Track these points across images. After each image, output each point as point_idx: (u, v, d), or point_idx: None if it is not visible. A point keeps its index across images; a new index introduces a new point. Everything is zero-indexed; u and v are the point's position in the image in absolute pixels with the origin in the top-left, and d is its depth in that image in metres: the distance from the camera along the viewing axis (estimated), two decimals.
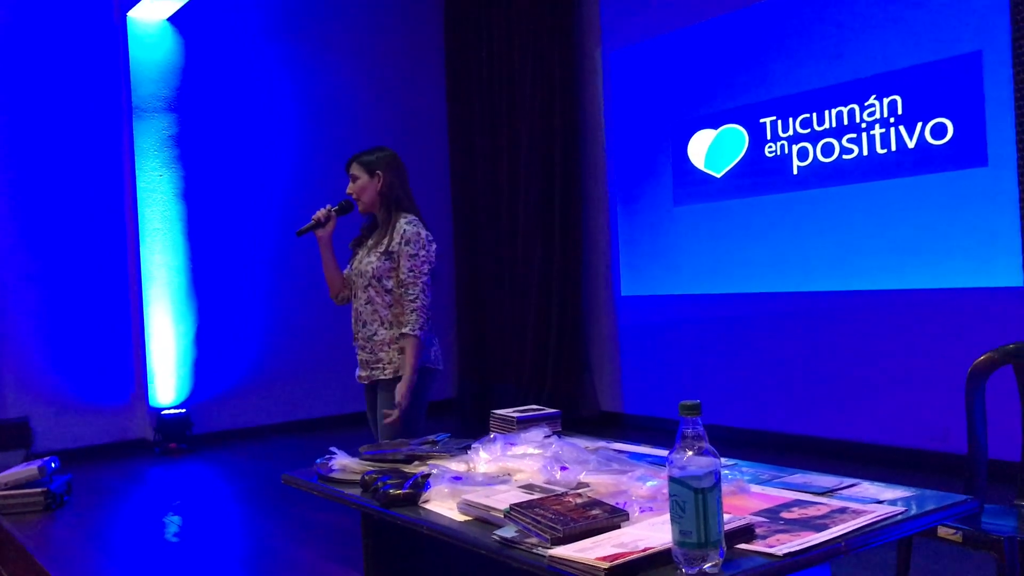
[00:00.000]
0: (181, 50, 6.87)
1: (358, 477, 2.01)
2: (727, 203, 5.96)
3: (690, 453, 1.31)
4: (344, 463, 2.08)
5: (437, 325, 7.41)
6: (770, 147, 5.70)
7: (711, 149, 6.04)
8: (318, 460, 2.20)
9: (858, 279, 5.23)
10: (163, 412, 6.71)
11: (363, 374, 3.31)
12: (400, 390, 3.11)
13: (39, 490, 5.08)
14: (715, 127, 6.03)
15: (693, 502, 1.29)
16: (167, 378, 6.79)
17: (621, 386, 6.71)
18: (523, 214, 7.04)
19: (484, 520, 1.63)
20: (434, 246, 3.24)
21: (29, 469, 5.18)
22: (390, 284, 3.20)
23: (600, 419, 6.82)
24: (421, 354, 3.18)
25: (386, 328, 3.22)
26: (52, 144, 6.52)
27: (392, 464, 2.11)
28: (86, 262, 6.65)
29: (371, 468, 2.04)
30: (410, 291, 3.15)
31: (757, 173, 5.78)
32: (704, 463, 1.30)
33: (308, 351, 7.23)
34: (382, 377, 3.22)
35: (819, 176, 5.44)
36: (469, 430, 6.78)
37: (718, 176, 6.00)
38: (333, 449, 2.18)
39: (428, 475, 1.84)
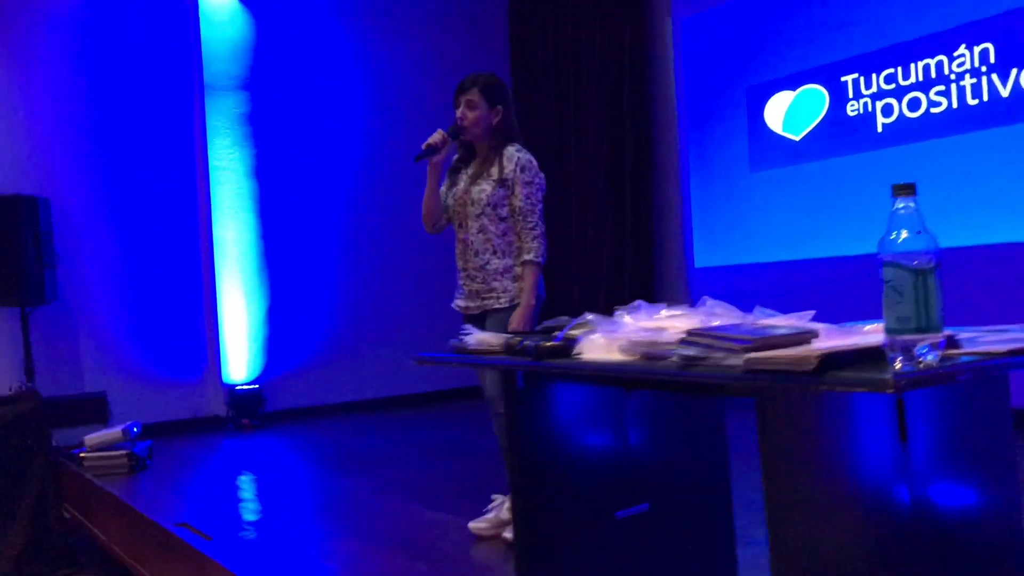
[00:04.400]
0: (251, 29, 6.92)
1: (496, 348, 1.95)
2: (808, 166, 5.83)
3: (905, 234, 1.22)
4: (481, 337, 2.03)
5: None
6: (852, 105, 5.57)
7: (789, 111, 5.93)
8: (451, 340, 2.15)
9: (950, 235, 5.07)
10: (236, 388, 6.72)
11: (472, 304, 3.25)
12: (517, 317, 3.05)
13: (123, 452, 5.12)
14: (793, 88, 5.91)
15: (912, 284, 1.20)
16: (239, 354, 6.80)
17: None
18: (591, 186, 6.96)
19: (652, 357, 1.55)
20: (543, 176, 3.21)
21: (113, 432, 5.22)
22: (504, 212, 3.16)
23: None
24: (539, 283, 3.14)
25: (499, 257, 3.17)
26: (127, 124, 6.59)
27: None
28: (160, 240, 6.70)
29: (506, 339, 1.97)
30: (529, 219, 3.11)
31: (839, 133, 5.65)
32: (922, 242, 1.22)
33: (376, 330, 7.21)
34: (496, 306, 3.17)
35: (905, 132, 5.30)
36: None
37: (797, 139, 5.89)
38: (467, 326, 2.12)
39: (578, 331, 1.78)
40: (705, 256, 6.54)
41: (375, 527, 3.67)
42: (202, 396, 6.80)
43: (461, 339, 2.10)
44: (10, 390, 5.47)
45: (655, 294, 6.77)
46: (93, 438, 5.19)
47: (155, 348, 6.65)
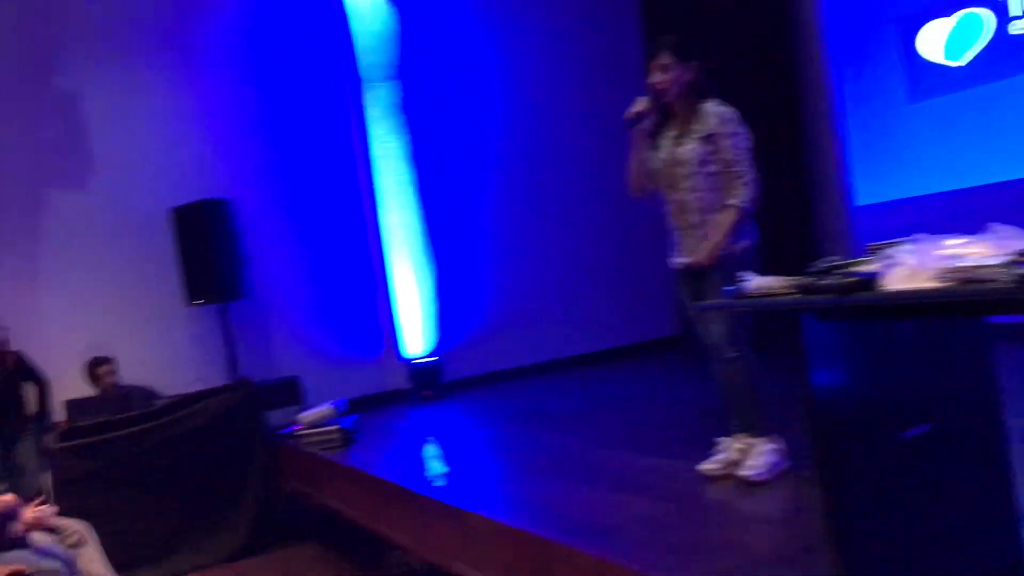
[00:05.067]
0: (396, 21, 7.20)
1: (779, 290, 2.11)
2: (970, 92, 5.72)
3: None
4: (761, 282, 2.18)
5: (653, 249, 7.40)
6: (1015, 25, 5.44)
7: (949, 38, 5.82)
8: (725, 289, 2.32)
9: None
10: (415, 362, 7.09)
11: (692, 260, 3.38)
12: (704, 250, 3.19)
13: (335, 427, 5.51)
14: (947, 15, 5.80)
15: None
16: (415, 330, 7.16)
17: None
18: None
19: (974, 280, 1.68)
20: None
21: (325, 408, 5.62)
22: (713, 168, 3.29)
23: None
24: (740, 228, 3.26)
25: (714, 212, 3.30)
26: (293, 122, 7.00)
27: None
28: (332, 230, 7.11)
29: (795, 281, 2.12)
30: (739, 167, 3.24)
31: (1002, 56, 5.53)
32: None
33: (539, 295, 7.47)
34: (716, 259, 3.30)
35: None
36: (694, 369, 6.83)
37: (957, 65, 5.78)
38: (746, 273, 2.27)
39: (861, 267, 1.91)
40: (866, 193, 6.50)
41: (602, 475, 3.89)
42: (384, 372, 7.21)
43: (739, 286, 2.26)
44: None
45: (814, 235, 6.77)
46: (307, 416, 5.61)
47: (338, 331, 7.09)
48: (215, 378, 6.34)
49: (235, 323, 6.54)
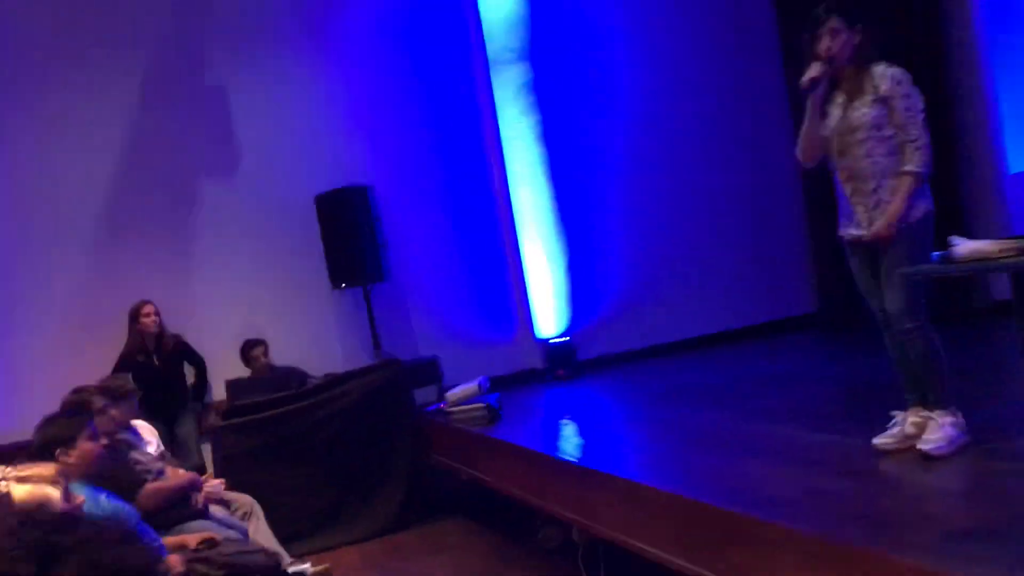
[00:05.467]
0: (524, 4, 7.22)
1: (993, 254, 2.05)
2: None
3: None
4: (973, 247, 2.13)
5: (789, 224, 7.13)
6: None
7: None
8: (933, 255, 2.27)
9: None
10: (549, 342, 7.15)
11: (864, 234, 3.30)
12: (883, 223, 3.10)
13: (482, 404, 5.61)
14: None
15: None
16: (548, 310, 7.22)
17: None
18: None
19: None
20: None
21: (470, 387, 5.73)
22: (888, 131, 3.20)
23: (994, 308, 6.42)
24: (917, 195, 3.16)
25: (889, 178, 3.21)
26: (424, 108, 7.14)
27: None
28: (465, 212, 7.24)
29: (1011, 244, 2.07)
30: (911, 131, 3.14)
31: None
32: None
33: (673, 273, 7.41)
34: (893, 228, 3.21)
35: None
36: (833, 351, 6.69)
37: None
38: (954, 238, 2.22)
39: None
40: (1020, 161, 6.21)
41: (767, 451, 3.84)
42: (518, 351, 7.29)
43: (949, 252, 2.20)
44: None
45: (963, 205, 6.50)
46: (453, 394, 5.74)
47: (473, 312, 7.21)
48: (360, 359, 6.56)
49: (376, 306, 6.73)
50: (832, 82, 3.41)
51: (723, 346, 7.21)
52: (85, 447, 3.23)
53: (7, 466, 1.99)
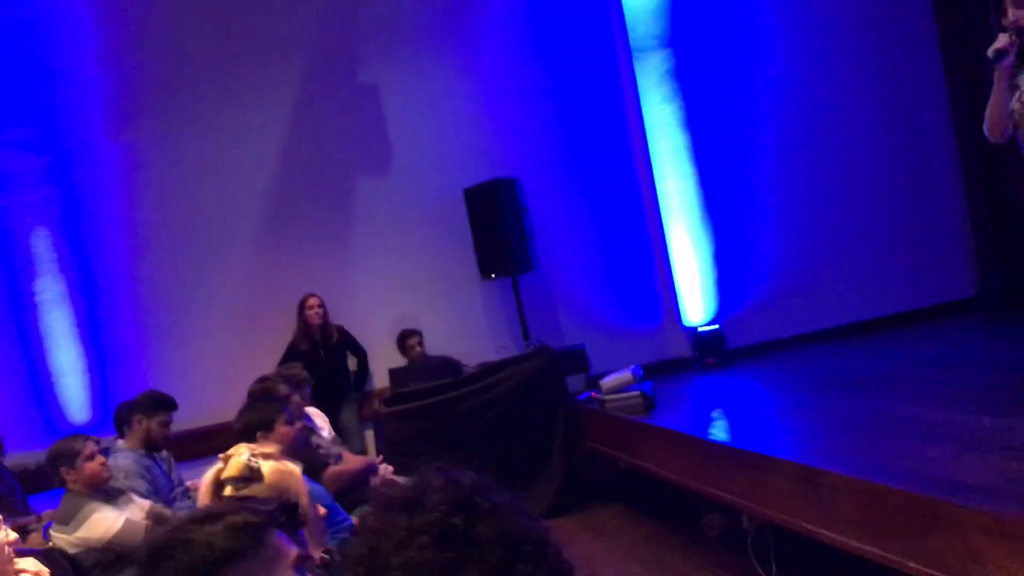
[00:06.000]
0: None
1: None
2: None
3: None
4: None
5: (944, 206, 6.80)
6: None
7: None
8: None
9: None
10: (697, 330, 7.09)
11: None
12: None
13: (637, 392, 5.63)
14: None
15: None
16: (695, 298, 7.16)
17: None
18: None
19: None
20: None
21: (624, 375, 5.76)
22: None
23: None
24: None
25: None
26: (567, 98, 7.19)
27: None
28: (609, 201, 7.25)
29: None
30: None
31: None
32: None
33: (822, 258, 7.22)
34: None
35: None
36: (998, 335, 6.36)
37: None
38: None
39: None
40: None
41: (949, 436, 3.71)
42: (665, 340, 7.27)
43: None
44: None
45: None
46: (608, 382, 5.77)
47: (619, 301, 7.23)
48: (510, 348, 6.68)
49: (524, 295, 6.83)
50: (1022, 54, 3.28)
51: (879, 333, 6.97)
52: (283, 430, 3.43)
53: (248, 444, 2.14)
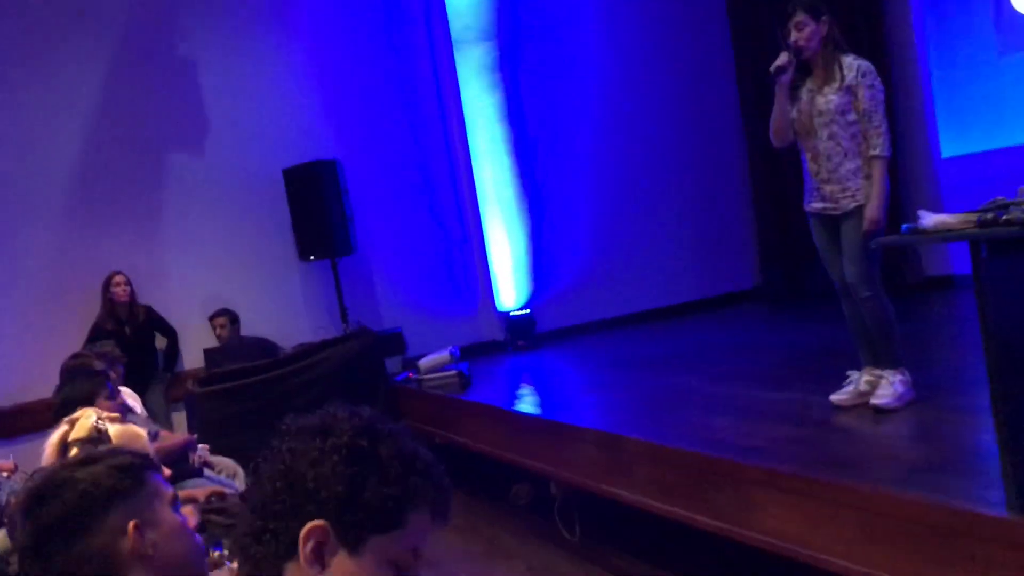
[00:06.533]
0: None
1: (955, 225, 2.39)
2: None
3: None
4: (939, 219, 2.46)
5: (735, 197, 7.55)
6: None
7: None
8: (903, 227, 2.60)
9: None
10: (511, 314, 7.43)
11: (828, 206, 3.66)
12: (872, 207, 3.46)
13: (454, 372, 5.88)
14: None
15: None
16: (508, 284, 7.49)
17: (949, 246, 6.75)
18: None
19: None
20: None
21: (442, 355, 5.99)
22: (852, 117, 3.55)
23: (926, 284, 6.91)
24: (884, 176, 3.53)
25: (850, 159, 3.57)
26: (388, 84, 7.31)
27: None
28: (428, 188, 7.45)
29: (972, 217, 2.40)
30: (874, 119, 3.50)
31: None
32: None
33: (631, 248, 7.74)
34: (853, 205, 3.57)
35: None
36: (777, 322, 7.13)
37: None
38: (922, 212, 2.56)
39: None
40: (951, 145, 6.68)
41: (731, 408, 4.19)
42: (480, 323, 7.56)
43: (917, 224, 2.54)
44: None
45: (900, 187, 6.95)
46: (426, 362, 5.98)
47: (436, 285, 7.44)
48: (329, 330, 6.74)
49: (345, 277, 6.91)
50: (806, 69, 3.74)
51: (674, 319, 7.58)
52: (105, 405, 3.39)
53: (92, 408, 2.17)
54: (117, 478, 1.43)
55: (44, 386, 4.52)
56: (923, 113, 6.83)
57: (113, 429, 2.01)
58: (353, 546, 1.11)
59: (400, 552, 1.13)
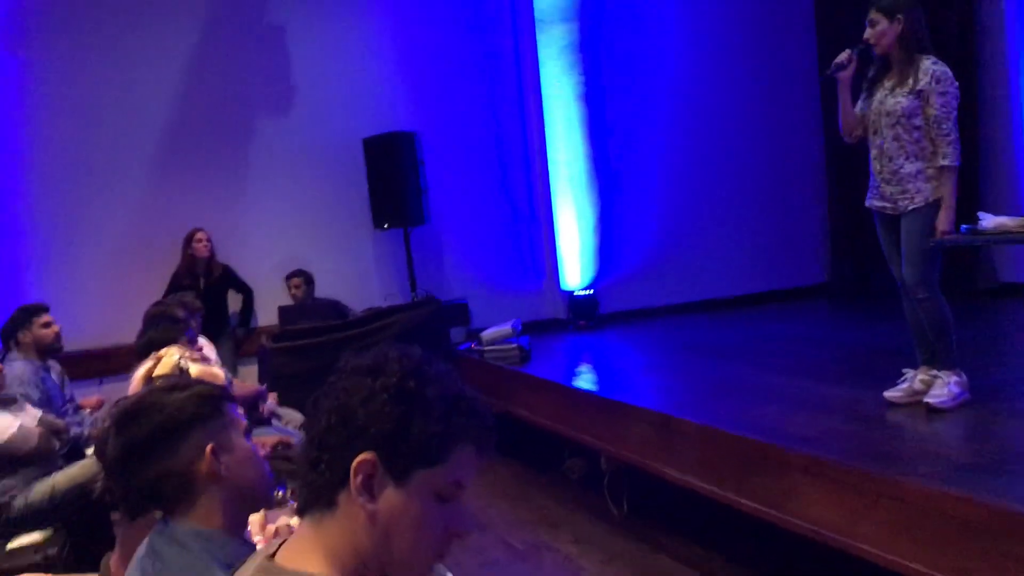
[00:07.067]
0: None
1: (1016, 230, 2.42)
2: None
3: None
4: (998, 221, 2.49)
5: (810, 193, 7.51)
6: None
7: None
8: (962, 227, 2.62)
9: None
10: (574, 293, 7.53)
11: (887, 205, 3.68)
12: (944, 217, 3.44)
13: (514, 345, 6.02)
14: None
15: None
16: (574, 264, 7.59)
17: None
18: None
19: None
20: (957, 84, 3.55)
21: (504, 328, 6.13)
22: (918, 122, 3.54)
23: (999, 290, 6.79)
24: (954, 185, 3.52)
25: (911, 162, 3.56)
26: (467, 60, 7.43)
27: None
28: (503, 164, 7.57)
29: None
30: (943, 126, 3.48)
31: None
32: None
33: (699, 237, 7.77)
34: (911, 207, 3.57)
35: None
36: (842, 318, 7.09)
37: None
38: (982, 214, 2.58)
39: None
40: None
41: (786, 399, 4.23)
42: (543, 301, 7.68)
43: (976, 225, 2.57)
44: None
45: (985, 195, 6.79)
46: (488, 334, 6.13)
47: (504, 260, 7.58)
48: (397, 297, 6.94)
49: (414, 247, 7.09)
50: (887, 66, 3.73)
51: (738, 309, 7.59)
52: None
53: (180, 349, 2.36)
54: (199, 404, 1.60)
55: (127, 332, 4.76)
56: (1010, 123, 6.67)
57: (195, 369, 2.19)
58: (400, 478, 1.20)
59: (444, 485, 1.22)
